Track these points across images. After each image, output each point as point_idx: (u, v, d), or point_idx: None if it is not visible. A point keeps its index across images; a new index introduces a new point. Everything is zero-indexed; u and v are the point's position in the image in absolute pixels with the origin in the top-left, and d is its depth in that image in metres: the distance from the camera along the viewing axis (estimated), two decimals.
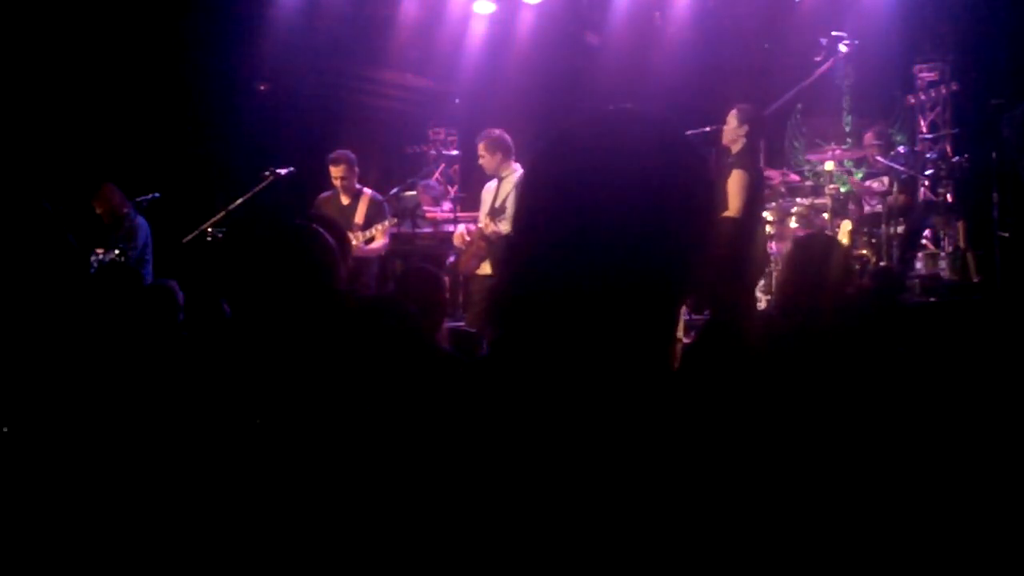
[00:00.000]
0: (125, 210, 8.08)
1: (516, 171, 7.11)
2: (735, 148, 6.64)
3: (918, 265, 8.34)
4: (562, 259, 1.04)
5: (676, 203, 1.07)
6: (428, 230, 8.96)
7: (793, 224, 8.24)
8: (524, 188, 1.14)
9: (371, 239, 7.40)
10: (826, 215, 8.23)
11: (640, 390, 1.05)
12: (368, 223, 7.42)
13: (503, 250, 1.16)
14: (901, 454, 2.72)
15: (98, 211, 8.13)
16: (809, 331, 3.27)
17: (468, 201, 8.99)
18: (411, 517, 1.00)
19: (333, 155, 7.57)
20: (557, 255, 1.05)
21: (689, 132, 7.28)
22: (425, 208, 9.24)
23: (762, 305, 7.27)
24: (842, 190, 8.73)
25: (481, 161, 7.27)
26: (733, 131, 6.63)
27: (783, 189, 8.51)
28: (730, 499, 1.00)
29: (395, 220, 7.75)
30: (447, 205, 9.42)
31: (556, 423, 1.01)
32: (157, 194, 8.40)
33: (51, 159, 8.51)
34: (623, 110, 1.13)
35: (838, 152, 8.93)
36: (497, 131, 7.24)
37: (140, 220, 8.17)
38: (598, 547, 0.96)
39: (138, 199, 8.29)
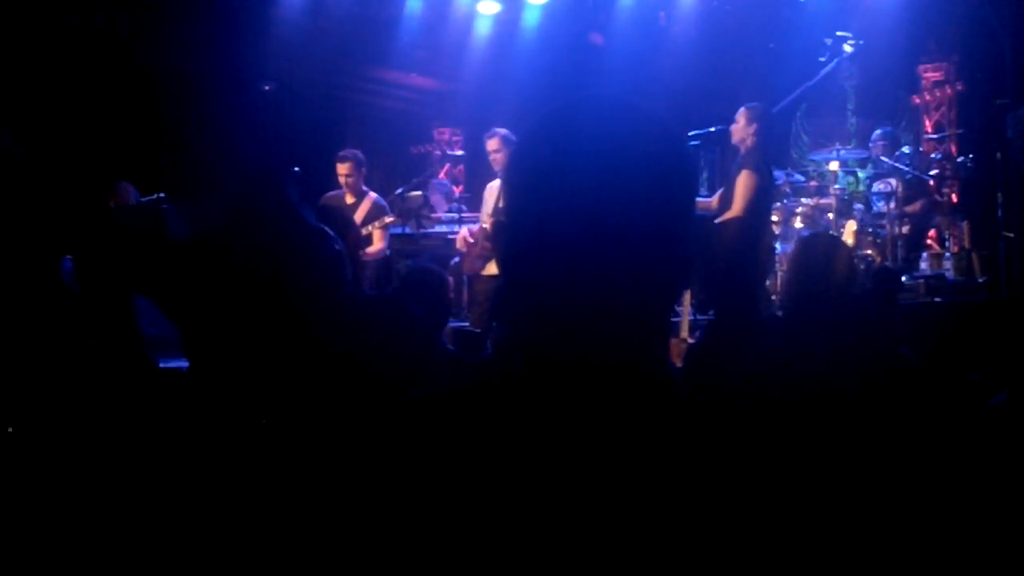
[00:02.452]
0: None
1: None
2: (744, 147, 6.65)
3: (923, 265, 8.34)
4: (553, 256, 1.04)
5: (664, 192, 1.06)
6: (433, 230, 8.98)
7: (798, 224, 8.24)
8: (508, 183, 1.12)
9: (366, 237, 7.39)
10: (831, 215, 8.23)
11: (640, 390, 1.05)
12: (365, 224, 7.43)
13: (497, 247, 1.14)
14: (905, 455, 2.72)
15: None
16: (813, 331, 3.27)
17: (473, 201, 9.01)
18: (413, 517, 1.00)
19: (342, 152, 7.61)
20: (546, 252, 1.05)
21: (694, 132, 7.30)
22: (435, 207, 9.29)
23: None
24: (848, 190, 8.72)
25: (495, 156, 7.26)
26: (743, 130, 6.64)
27: (788, 189, 8.50)
28: (732, 501, 1.00)
29: (396, 219, 7.75)
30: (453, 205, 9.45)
31: (558, 425, 1.02)
32: (163, 194, 8.40)
33: (58, 159, 8.51)
34: (603, 97, 1.12)
35: (843, 152, 8.93)
36: (505, 129, 7.26)
37: None
38: (598, 550, 0.97)
39: (143, 200, 8.29)
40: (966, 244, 8.45)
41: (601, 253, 1.02)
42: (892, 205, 8.22)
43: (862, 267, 7.56)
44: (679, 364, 5.13)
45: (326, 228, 2.72)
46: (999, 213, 7.62)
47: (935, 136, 9.71)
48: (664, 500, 0.98)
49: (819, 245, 3.77)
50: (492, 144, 7.26)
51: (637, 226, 1.03)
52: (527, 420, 1.02)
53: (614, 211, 1.03)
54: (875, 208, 8.65)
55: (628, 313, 1.04)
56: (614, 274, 1.03)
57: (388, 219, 7.55)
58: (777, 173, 7.89)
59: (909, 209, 8.36)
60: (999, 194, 7.65)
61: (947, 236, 8.79)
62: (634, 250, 1.03)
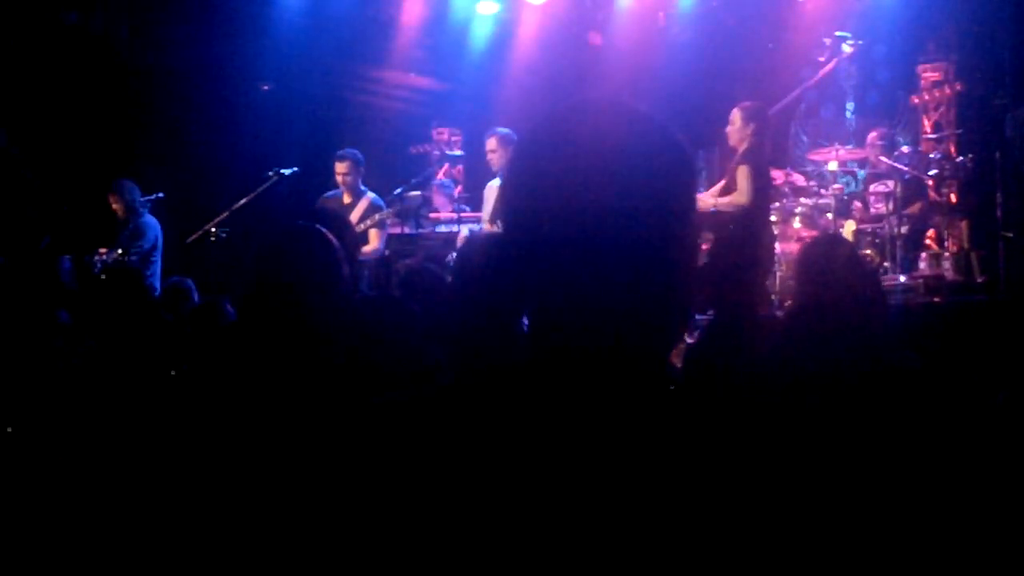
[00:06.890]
0: (138, 208, 8.09)
1: None
2: (741, 147, 6.62)
3: (922, 265, 8.34)
4: (554, 254, 1.04)
5: (663, 194, 1.06)
6: (432, 230, 8.99)
7: (797, 224, 8.23)
8: (508, 182, 1.12)
9: (362, 233, 7.37)
10: (830, 215, 8.23)
11: (639, 386, 1.05)
12: (361, 223, 7.42)
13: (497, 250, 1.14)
14: (904, 456, 2.72)
15: (114, 207, 8.12)
16: (813, 331, 3.27)
17: (473, 201, 9.01)
18: (413, 512, 1.00)
19: (339, 152, 7.61)
20: (547, 251, 1.04)
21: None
22: (438, 208, 9.32)
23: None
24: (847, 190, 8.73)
25: (492, 156, 7.27)
26: (739, 130, 6.61)
27: (787, 189, 8.50)
28: (731, 503, 1.00)
29: (393, 218, 7.75)
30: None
31: (559, 418, 1.02)
32: (161, 194, 8.40)
33: (57, 159, 8.53)
34: (604, 99, 1.12)
35: (842, 152, 8.92)
36: (506, 129, 7.26)
37: (149, 220, 8.15)
38: (591, 544, 0.97)
39: (142, 199, 8.29)
40: (965, 244, 8.44)
41: (600, 252, 1.02)
42: (891, 205, 8.22)
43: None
44: (679, 364, 5.13)
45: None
46: (998, 213, 7.61)
47: (934, 136, 9.70)
48: (660, 496, 0.98)
49: (834, 247, 3.72)
50: (490, 143, 7.25)
51: (636, 226, 1.03)
52: (532, 413, 1.02)
53: (613, 212, 1.03)
54: (873, 208, 8.65)
55: (628, 312, 1.04)
56: (613, 274, 1.03)
57: (386, 219, 7.53)
58: (776, 173, 7.89)
59: (907, 210, 8.35)
60: (998, 194, 7.64)
61: (946, 236, 8.78)
62: (633, 250, 1.03)
